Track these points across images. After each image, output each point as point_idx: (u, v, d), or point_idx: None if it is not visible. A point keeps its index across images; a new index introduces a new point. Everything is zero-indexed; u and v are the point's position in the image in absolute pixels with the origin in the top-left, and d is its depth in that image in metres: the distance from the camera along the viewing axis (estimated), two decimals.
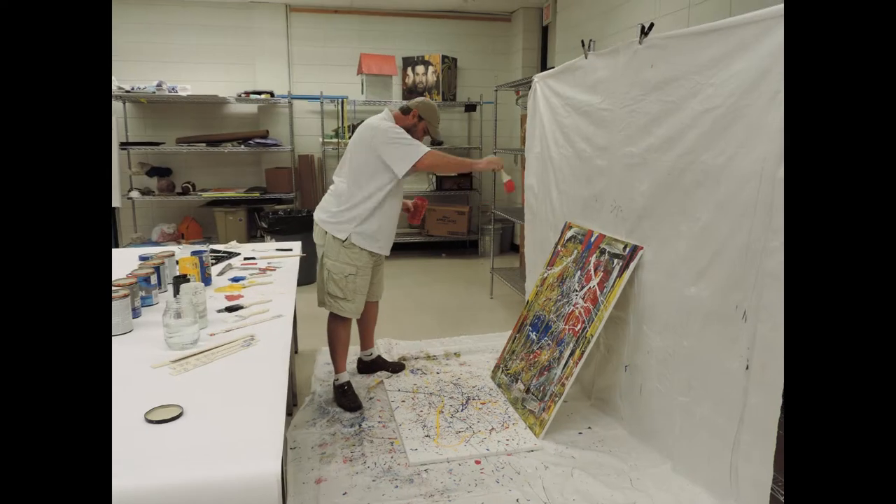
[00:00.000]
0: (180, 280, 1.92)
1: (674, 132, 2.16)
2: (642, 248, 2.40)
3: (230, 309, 2.02)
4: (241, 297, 2.19)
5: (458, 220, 6.12)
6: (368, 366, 3.16)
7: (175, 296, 1.80)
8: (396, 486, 2.13)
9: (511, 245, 6.42)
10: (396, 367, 3.18)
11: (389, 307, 4.25)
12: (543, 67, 5.93)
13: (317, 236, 2.78)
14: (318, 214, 2.78)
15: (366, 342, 3.14)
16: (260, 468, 1.07)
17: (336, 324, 2.79)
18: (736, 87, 1.84)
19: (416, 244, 6.17)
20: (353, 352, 3.14)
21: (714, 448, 2.02)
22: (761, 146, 1.76)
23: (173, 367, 1.52)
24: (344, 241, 2.66)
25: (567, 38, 5.03)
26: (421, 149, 2.62)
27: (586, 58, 2.82)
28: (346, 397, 2.78)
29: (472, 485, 2.14)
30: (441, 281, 5.30)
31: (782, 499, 1.79)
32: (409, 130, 2.71)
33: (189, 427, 1.22)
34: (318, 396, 2.86)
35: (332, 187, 2.80)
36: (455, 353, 3.41)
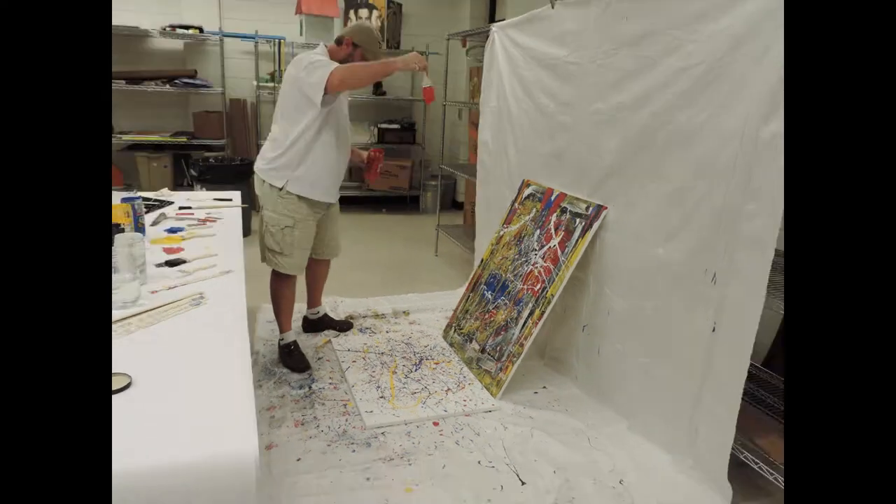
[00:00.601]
0: (114, 230, 1.69)
1: (648, 89, 2.10)
2: (606, 207, 2.35)
3: (171, 263, 1.82)
4: (181, 249, 1.98)
5: (400, 174, 5.93)
6: (314, 324, 3.00)
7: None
8: (353, 451, 2.04)
9: (453, 202, 6.32)
10: (344, 326, 3.04)
11: (334, 265, 4.07)
12: (492, 18, 5.75)
13: (257, 186, 2.56)
14: (257, 163, 2.56)
15: (313, 300, 2.98)
16: (235, 447, 0.93)
17: (279, 281, 2.61)
18: (721, 44, 1.78)
19: (356, 198, 5.94)
20: (298, 309, 2.98)
21: (673, 408, 2.04)
22: (744, 105, 1.72)
23: (115, 328, 1.33)
24: (280, 190, 2.44)
25: None
26: (328, 68, 2.29)
27: (553, 7, 2.70)
28: (292, 358, 2.63)
29: (431, 447, 2.08)
30: (383, 237, 5.14)
31: (742, 458, 1.83)
32: (345, 62, 2.45)
33: (141, 399, 1.06)
34: (261, 357, 2.69)
35: (269, 134, 2.58)
36: (404, 312, 3.31)
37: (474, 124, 5.01)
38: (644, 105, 2.12)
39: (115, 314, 1.39)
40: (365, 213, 5.92)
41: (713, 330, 1.86)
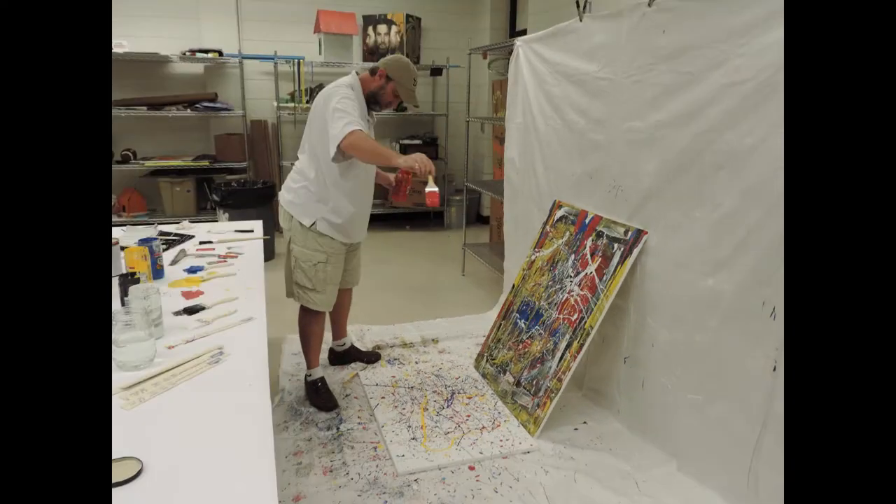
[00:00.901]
0: (128, 280, 1.60)
1: (690, 107, 1.95)
2: (647, 232, 2.20)
3: (190, 311, 1.72)
4: (200, 293, 1.89)
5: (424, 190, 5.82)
6: (341, 356, 2.90)
7: (122, 301, 1.49)
8: (385, 502, 1.92)
9: (478, 216, 6.19)
10: (372, 358, 2.93)
11: (358, 286, 3.97)
12: (513, 30, 5.63)
13: (282, 219, 2.47)
14: (283, 195, 2.46)
15: (338, 332, 2.88)
16: None
17: (308, 317, 2.51)
18: (772, 59, 1.63)
19: (378, 215, 5.84)
20: (325, 340, 2.88)
21: (730, 451, 1.88)
22: None
23: (125, 396, 1.23)
24: (310, 227, 2.36)
25: (541, 1, 4.73)
26: (346, 128, 2.13)
27: (581, 20, 2.56)
28: (319, 396, 2.52)
29: (469, 496, 1.95)
30: (408, 256, 5.04)
31: None
32: (375, 96, 2.34)
33: (153, 491, 0.95)
34: (287, 394, 2.59)
35: (296, 164, 2.48)
36: (433, 340, 3.19)
37: (498, 138, 4.89)
38: (686, 124, 1.97)
39: (128, 378, 1.30)
40: (388, 230, 5.83)
41: (774, 369, 1.70)
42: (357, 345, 3.02)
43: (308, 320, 2.51)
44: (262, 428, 1.14)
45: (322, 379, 2.58)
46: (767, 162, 1.68)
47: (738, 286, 1.81)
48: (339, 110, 2.17)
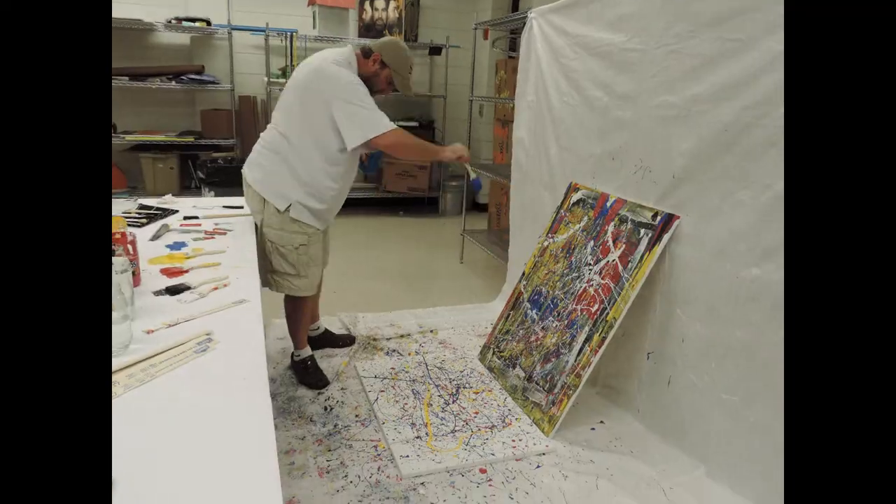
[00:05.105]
0: None
1: (737, 78, 1.75)
2: (678, 217, 2.01)
3: (172, 291, 1.50)
4: (185, 271, 1.66)
5: (419, 175, 5.59)
6: (315, 341, 2.66)
7: None
8: None
9: (475, 203, 5.97)
10: (347, 340, 2.74)
11: (349, 273, 3.76)
12: (516, 9, 5.40)
13: (250, 199, 2.21)
14: (252, 173, 2.18)
15: (311, 316, 2.65)
16: None
17: (294, 304, 2.32)
18: None
19: (371, 200, 5.61)
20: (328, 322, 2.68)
21: (769, 457, 1.70)
22: None
23: None
24: (283, 211, 2.12)
25: None
26: (383, 122, 2.04)
27: None
28: (310, 374, 2.36)
29: None
30: (402, 242, 4.81)
31: None
32: (368, 80, 2.12)
33: None
34: (277, 386, 2.37)
35: (264, 135, 2.21)
36: (431, 331, 2.98)
37: (500, 121, 4.67)
38: (731, 97, 1.78)
39: None
40: (381, 215, 5.59)
41: None
42: (349, 331, 2.83)
43: (295, 307, 2.32)
44: (261, 431, 0.93)
45: (312, 357, 2.41)
46: None
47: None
48: (363, 100, 2.05)
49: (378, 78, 2.17)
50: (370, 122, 2.04)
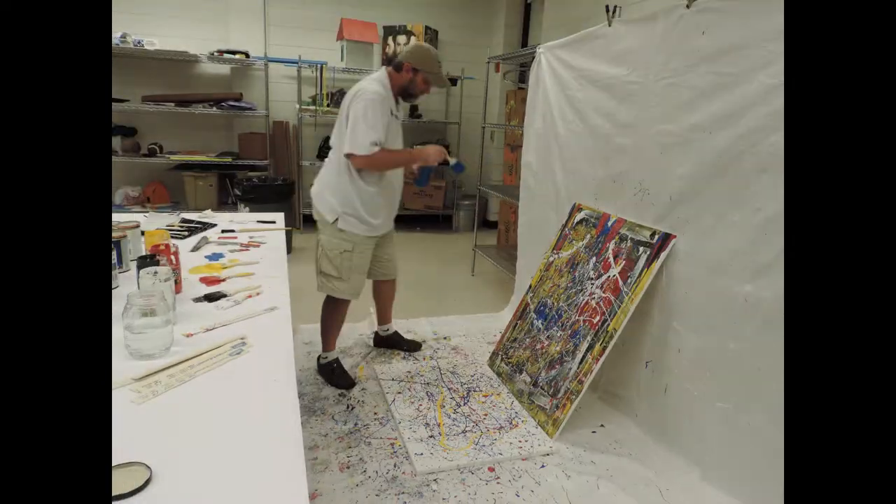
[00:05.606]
0: (147, 263, 1.38)
1: (731, 109, 1.74)
2: (675, 236, 1.99)
3: (210, 298, 1.51)
4: (221, 280, 1.67)
5: (435, 194, 5.61)
6: (385, 340, 2.74)
7: (138, 284, 1.28)
8: (405, 503, 1.69)
9: (485, 221, 5.97)
10: (413, 346, 2.76)
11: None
12: (525, 45, 5.43)
13: (314, 208, 2.31)
14: (314, 188, 2.29)
15: (383, 318, 2.74)
16: None
17: (332, 305, 2.33)
18: None
19: None
20: (348, 329, 2.69)
21: (761, 462, 1.67)
22: None
23: (137, 388, 1.02)
24: (332, 223, 2.18)
25: (556, 16, 4.53)
26: (365, 144, 2.05)
27: (610, 25, 2.36)
28: (336, 375, 2.36)
29: (490, 500, 1.73)
30: (419, 256, 4.81)
31: None
32: (407, 90, 2.19)
33: (163, 501, 0.73)
34: (303, 387, 2.37)
35: (326, 159, 2.31)
36: (445, 337, 2.97)
37: (510, 146, 4.68)
38: (725, 126, 1.77)
39: (142, 368, 1.08)
40: (399, 231, 5.56)
41: None
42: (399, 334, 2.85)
43: (331, 308, 2.33)
44: (289, 428, 0.92)
45: (337, 360, 2.41)
46: None
47: (779, 294, 1.59)
48: (365, 116, 2.05)
49: (414, 84, 2.21)
50: (358, 139, 2.06)
